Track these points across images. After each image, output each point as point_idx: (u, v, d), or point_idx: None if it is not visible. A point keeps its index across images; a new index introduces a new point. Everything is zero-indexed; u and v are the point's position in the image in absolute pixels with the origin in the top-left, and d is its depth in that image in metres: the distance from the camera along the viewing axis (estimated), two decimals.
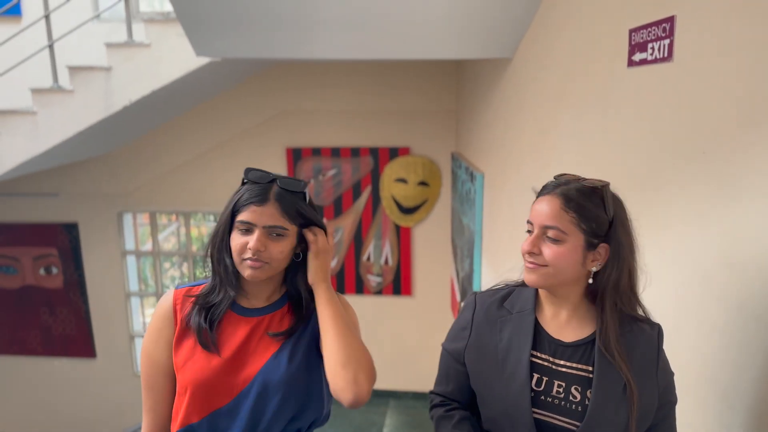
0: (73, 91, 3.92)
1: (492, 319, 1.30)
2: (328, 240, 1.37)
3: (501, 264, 3.28)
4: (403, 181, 5.46)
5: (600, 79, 1.97)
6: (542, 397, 1.20)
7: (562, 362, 1.21)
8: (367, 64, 5.26)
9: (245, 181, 1.32)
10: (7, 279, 5.86)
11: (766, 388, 1.18)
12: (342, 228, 5.65)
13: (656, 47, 1.58)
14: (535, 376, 1.21)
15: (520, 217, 2.72)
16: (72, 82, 3.92)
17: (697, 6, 1.39)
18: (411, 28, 2.93)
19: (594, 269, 1.19)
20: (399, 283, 5.71)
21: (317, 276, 1.33)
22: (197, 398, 1.28)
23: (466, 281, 4.33)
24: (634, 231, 1.21)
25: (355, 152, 5.48)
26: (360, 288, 5.74)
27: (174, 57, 3.82)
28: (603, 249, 1.17)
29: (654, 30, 1.59)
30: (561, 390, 1.20)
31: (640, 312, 1.25)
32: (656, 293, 1.49)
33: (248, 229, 1.26)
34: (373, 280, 5.71)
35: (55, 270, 5.81)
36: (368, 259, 5.68)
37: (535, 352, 1.23)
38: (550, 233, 1.16)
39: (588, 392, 1.17)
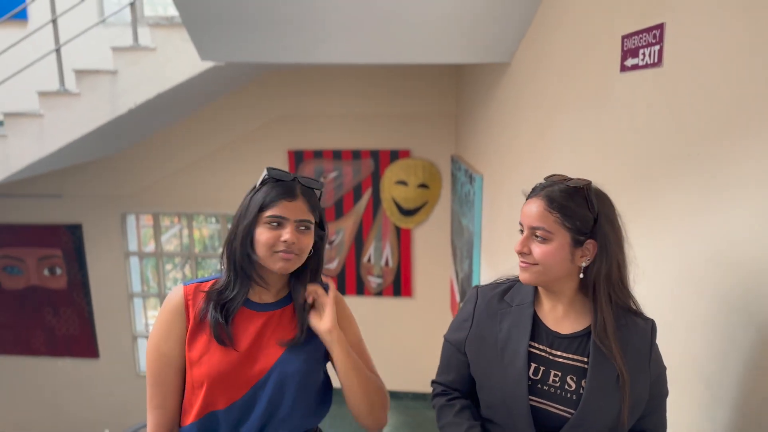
0: (79, 94, 3.99)
1: (492, 312, 1.35)
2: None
3: (500, 264, 3.34)
4: (403, 183, 5.52)
5: (594, 84, 2.03)
6: (539, 386, 1.26)
7: (558, 353, 1.27)
8: (368, 68, 5.33)
9: (265, 179, 1.37)
10: (11, 279, 5.92)
11: (750, 380, 1.23)
12: (343, 229, 5.71)
13: (647, 53, 1.64)
14: (533, 365, 1.27)
15: (518, 219, 2.77)
16: (78, 86, 3.99)
17: (684, 14, 1.46)
18: (412, 34, 3.00)
19: (583, 264, 1.25)
20: (399, 285, 5.77)
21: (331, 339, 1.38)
22: (214, 391, 1.32)
23: (465, 282, 4.39)
24: (621, 225, 1.26)
25: (356, 155, 5.54)
26: (360, 289, 5.80)
27: (179, 61, 3.89)
28: (590, 245, 1.23)
29: (645, 36, 1.65)
30: (557, 379, 1.25)
31: (633, 305, 1.30)
32: (648, 290, 1.55)
33: (279, 223, 1.32)
34: (373, 281, 5.77)
35: (59, 271, 5.87)
36: (369, 260, 5.75)
37: (533, 343, 1.29)
38: (538, 233, 1.23)
39: (583, 382, 1.23)
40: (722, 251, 1.32)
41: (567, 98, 2.32)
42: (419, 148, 5.50)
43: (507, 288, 1.39)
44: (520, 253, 1.26)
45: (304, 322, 1.40)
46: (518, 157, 3.01)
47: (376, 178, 5.57)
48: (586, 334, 1.26)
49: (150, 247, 6.35)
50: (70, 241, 5.80)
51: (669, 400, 1.34)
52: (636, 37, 1.70)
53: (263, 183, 1.36)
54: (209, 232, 8.15)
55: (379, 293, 5.80)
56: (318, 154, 5.56)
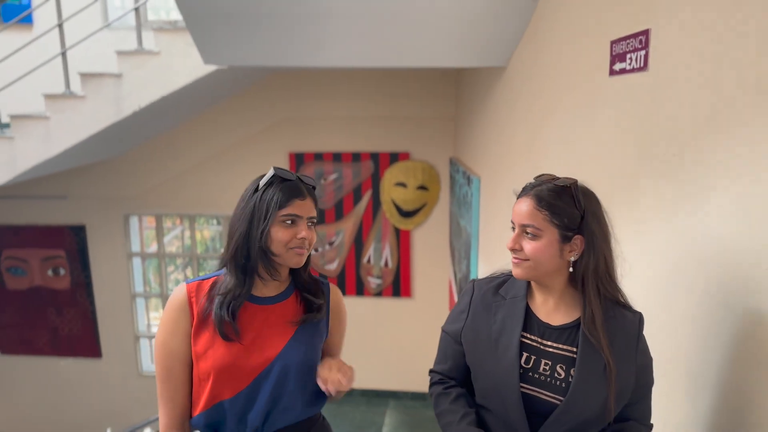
0: (84, 97, 4.06)
1: (487, 304, 1.42)
2: None
3: (497, 264, 3.39)
4: (402, 185, 5.60)
5: (585, 87, 2.11)
6: (530, 374, 1.32)
7: (549, 343, 1.33)
8: (368, 72, 5.41)
9: (271, 180, 1.42)
10: (15, 280, 5.99)
11: (730, 369, 1.30)
12: (343, 231, 5.78)
13: (634, 58, 1.71)
14: (525, 354, 1.33)
15: None
16: (84, 88, 4.07)
17: (669, 21, 1.53)
18: (411, 38, 3.08)
19: (572, 259, 1.32)
20: (398, 285, 5.83)
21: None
22: (220, 382, 1.40)
23: (463, 282, 4.46)
24: (607, 221, 1.33)
25: (356, 157, 5.62)
26: (360, 290, 5.87)
27: (182, 64, 3.96)
28: (578, 240, 1.30)
29: (632, 42, 1.72)
30: (547, 368, 1.31)
31: (621, 298, 1.36)
32: (635, 285, 1.62)
33: (293, 221, 1.40)
34: (373, 281, 5.84)
35: (62, 271, 5.94)
36: (368, 261, 5.81)
37: (525, 334, 1.35)
38: (528, 230, 1.29)
39: (572, 371, 1.29)
40: (704, 247, 1.39)
41: (559, 101, 2.39)
42: (418, 150, 5.58)
43: (502, 282, 1.46)
44: (512, 250, 1.33)
45: (316, 303, 1.50)
46: (514, 158, 3.08)
47: (375, 180, 5.65)
48: (575, 325, 1.33)
49: (152, 248, 6.42)
50: (73, 242, 5.87)
51: (655, 390, 1.40)
52: (623, 42, 1.78)
53: (269, 184, 1.42)
54: (210, 233, 8.22)
55: (379, 294, 5.87)
56: (318, 157, 5.63)
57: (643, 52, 1.66)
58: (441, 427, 1.44)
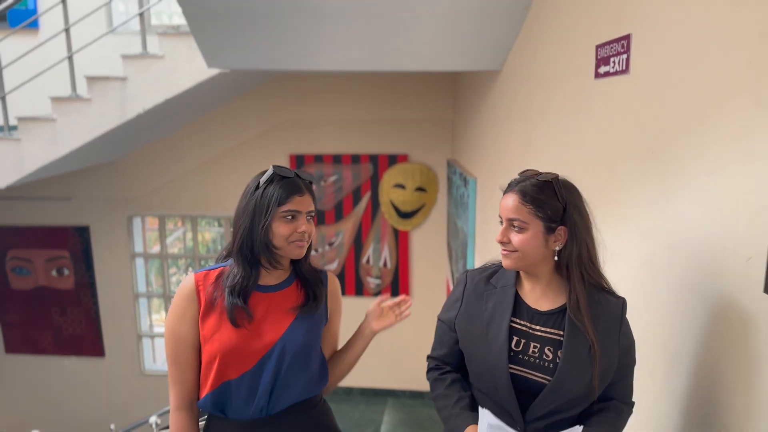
0: (90, 100, 4.16)
1: (480, 293, 1.51)
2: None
3: None
4: (401, 186, 5.69)
5: (573, 90, 2.21)
6: (520, 356, 1.41)
7: (537, 327, 1.42)
8: (367, 76, 5.51)
9: (271, 177, 1.52)
10: (20, 280, 6.08)
11: (703, 354, 1.39)
12: (342, 232, 5.87)
13: (617, 61, 1.81)
14: (515, 338, 1.42)
15: None
16: (89, 91, 4.16)
17: (648, 26, 1.63)
18: (409, 43, 3.18)
19: (557, 248, 1.41)
20: (397, 285, 5.92)
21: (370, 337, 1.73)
22: (226, 364, 1.50)
23: None
24: (588, 212, 1.42)
25: (356, 159, 5.72)
26: (360, 290, 5.96)
27: (186, 68, 4.06)
28: (562, 231, 1.39)
29: (615, 46, 1.82)
30: (536, 350, 1.40)
31: (604, 284, 1.45)
32: (616, 274, 1.71)
33: (294, 216, 1.50)
34: (372, 282, 5.93)
35: (66, 271, 6.03)
36: (367, 261, 5.91)
37: (515, 319, 1.44)
38: (515, 224, 1.38)
39: (559, 352, 1.38)
40: (679, 239, 1.48)
41: (550, 103, 2.49)
42: (417, 152, 5.68)
43: (493, 272, 1.54)
44: (501, 243, 1.42)
45: (315, 291, 1.61)
46: (508, 159, 3.17)
47: (374, 182, 5.75)
48: (562, 310, 1.42)
49: (154, 250, 6.51)
50: (77, 243, 5.96)
51: (635, 371, 1.49)
52: (607, 46, 1.88)
53: (269, 181, 1.52)
54: (211, 235, 8.32)
55: (378, 294, 5.95)
56: (318, 159, 5.73)
57: (625, 56, 1.76)
58: (437, 410, 1.53)
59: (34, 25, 5.35)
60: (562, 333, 1.40)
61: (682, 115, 1.45)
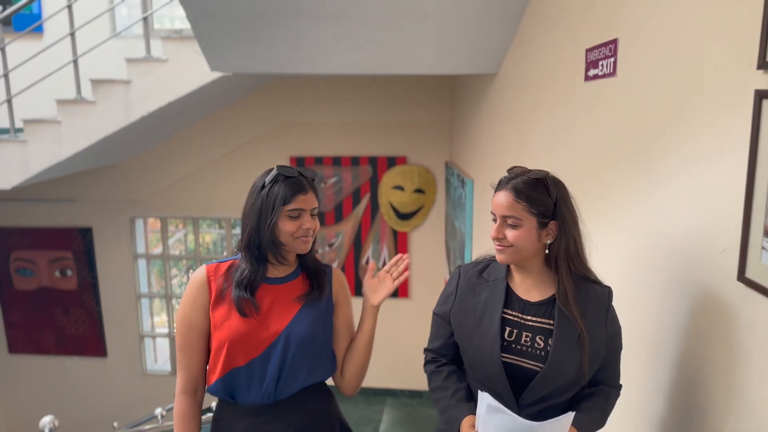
0: (95, 102, 4.24)
1: (472, 286, 1.58)
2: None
3: None
4: (400, 188, 5.77)
5: (565, 92, 2.29)
6: (513, 346, 1.47)
7: (529, 317, 1.49)
8: (367, 79, 5.59)
9: (276, 177, 1.59)
10: (24, 281, 6.15)
11: (685, 342, 1.47)
12: (342, 233, 5.95)
13: (605, 64, 1.89)
14: (508, 329, 1.49)
15: None
16: (94, 94, 4.25)
17: (633, 31, 1.72)
18: (408, 47, 3.26)
19: (548, 242, 1.49)
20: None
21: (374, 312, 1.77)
22: (234, 351, 1.59)
23: None
24: (575, 206, 1.49)
25: (355, 161, 5.80)
26: (359, 290, 6.03)
27: (189, 71, 4.15)
28: (553, 225, 1.46)
29: (603, 50, 1.91)
30: (528, 339, 1.47)
31: (591, 275, 1.52)
32: (603, 267, 1.79)
33: (299, 214, 1.58)
34: None
35: (69, 272, 6.11)
36: (367, 262, 5.98)
37: (507, 310, 1.51)
38: (509, 221, 1.44)
39: (549, 341, 1.45)
40: (661, 233, 1.56)
41: (544, 105, 2.57)
42: (415, 154, 5.76)
43: (485, 266, 1.61)
44: (496, 239, 1.48)
45: (320, 281, 1.69)
46: (504, 160, 3.25)
47: (374, 184, 5.83)
48: (551, 300, 1.49)
49: (156, 251, 6.58)
50: (80, 244, 6.04)
51: (621, 363, 1.56)
52: (596, 50, 1.96)
53: (274, 181, 1.59)
54: (212, 237, 8.40)
55: None
56: (318, 161, 5.81)
57: (612, 59, 1.84)
58: (434, 401, 1.59)
59: (38, 30, 5.43)
60: (552, 322, 1.46)
61: (663, 115, 1.54)
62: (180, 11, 5.59)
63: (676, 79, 1.47)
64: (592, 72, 2.00)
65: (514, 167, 1.53)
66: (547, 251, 1.50)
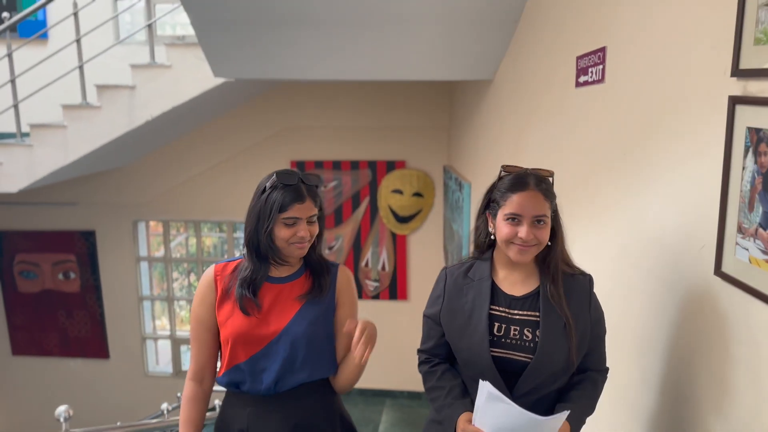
0: (100, 107, 4.33)
1: (459, 287, 1.62)
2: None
3: None
4: (399, 192, 5.86)
5: (557, 97, 2.38)
6: (503, 340, 1.52)
7: (515, 311, 1.54)
8: (367, 85, 5.67)
9: (274, 183, 1.63)
10: (27, 283, 6.22)
11: (669, 333, 1.55)
12: (342, 236, 6.03)
13: (594, 71, 1.98)
14: (496, 324, 1.54)
15: None
16: (99, 99, 4.33)
17: (621, 40, 1.80)
18: (406, 53, 3.35)
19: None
20: (395, 288, 6.07)
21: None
22: (236, 347, 1.66)
23: None
24: None
25: (355, 165, 5.88)
26: (359, 292, 6.06)
27: (192, 77, 4.23)
28: (555, 219, 1.53)
29: (592, 57, 1.99)
30: (516, 333, 1.52)
31: (571, 264, 1.57)
32: (593, 265, 1.87)
33: (294, 222, 1.62)
34: (370, 285, 6.08)
35: (72, 275, 6.17)
36: (366, 265, 6.06)
37: (494, 307, 1.56)
38: (540, 220, 1.47)
39: (537, 332, 1.50)
40: (647, 232, 1.65)
41: (537, 110, 2.66)
42: (414, 159, 5.85)
43: (469, 266, 1.65)
44: (525, 240, 1.47)
45: (320, 281, 1.73)
46: (499, 164, 3.33)
47: (373, 187, 5.91)
48: (536, 293, 1.54)
49: (158, 254, 6.65)
50: (83, 247, 6.11)
51: (610, 355, 1.62)
52: (586, 57, 2.05)
53: (273, 187, 1.63)
54: (212, 241, 8.47)
55: (376, 296, 6.10)
56: (319, 165, 5.90)
57: (601, 67, 1.93)
58: (430, 401, 1.65)
59: (43, 36, 5.51)
60: (538, 314, 1.51)
61: (647, 119, 1.62)
62: (182, 17, 5.69)
63: (660, 85, 1.55)
64: (582, 78, 2.08)
65: (509, 165, 1.59)
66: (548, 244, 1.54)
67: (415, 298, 6.09)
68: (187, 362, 6.70)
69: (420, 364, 1.72)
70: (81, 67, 4.37)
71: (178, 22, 6.13)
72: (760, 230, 1.15)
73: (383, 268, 6.05)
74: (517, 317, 1.53)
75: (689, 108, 1.41)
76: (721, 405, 1.28)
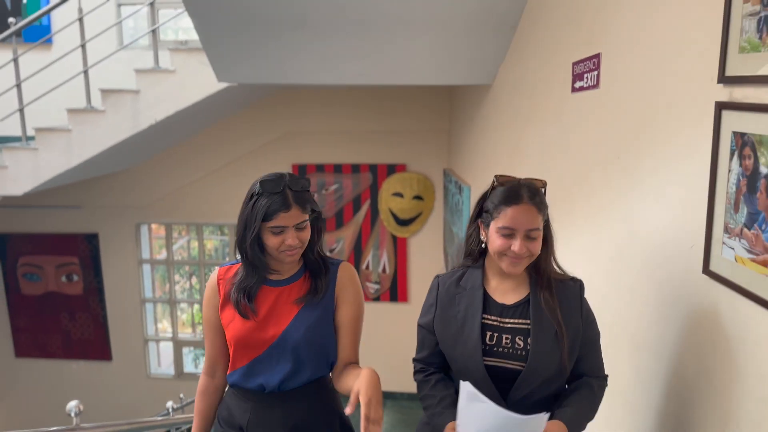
0: (104, 112, 4.38)
1: (451, 295, 1.62)
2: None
3: None
4: (399, 195, 5.91)
5: (554, 102, 2.43)
6: (495, 349, 1.53)
7: (507, 320, 1.55)
8: (367, 89, 5.73)
9: (258, 191, 1.58)
10: (31, 286, 6.27)
11: (663, 333, 1.60)
12: (343, 239, 6.08)
13: (589, 77, 2.03)
14: (488, 333, 1.55)
15: None
16: (104, 103, 4.39)
17: (614, 47, 1.86)
18: (408, 59, 3.41)
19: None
20: (396, 290, 6.12)
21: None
22: (238, 350, 1.70)
23: None
24: None
25: (356, 169, 5.94)
26: None
27: (195, 82, 4.28)
28: (546, 230, 1.54)
29: (587, 63, 2.05)
30: (508, 341, 1.53)
31: (559, 271, 1.59)
32: (587, 267, 1.93)
33: (281, 230, 1.59)
34: (371, 287, 6.13)
35: (75, 277, 6.22)
36: (367, 267, 6.11)
37: (486, 316, 1.56)
38: (533, 234, 1.48)
39: (529, 339, 1.51)
40: (639, 233, 1.70)
41: (535, 114, 2.71)
42: (414, 162, 5.90)
43: (461, 275, 1.65)
44: (518, 254, 1.46)
45: (317, 283, 1.73)
46: (499, 167, 3.39)
47: (374, 191, 5.96)
48: (526, 301, 1.55)
49: (160, 256, 6.70)
50: (87, 250, 6.16)
51: (605, 355, 1.65)
52: (581, 63, 2.10)
53: (259, 194, 1.60)
54: (214, 244, 8.52)
55: (377, 299, 6.15)
56: (320, 168, 5.95)
57: (595, 72, 1.98)
58: (423, 408, 1.65)
59: (48, 41, 5.58)
60: (529, 322, 1.52)
61: (639, 123, 1.68)
62: (185, 22, 5.75)
63: (651, 90, 1.61)
64: (578, 84, 2.14)
65: (502, 175, 1.58)
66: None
67: (416, 300, 6.12)
68: (188, 364, 6.75)
69: (415, 373, 1.71)
70: (86, 72, 4.43)
71: (181, 27, 6.21)
72: (745, 230, 1.20)
73: (384, 270, 6.09)
74: (509, 326, 1.54)
75: (679, 113, 1.46)
76: (708, 397, 1.33)
